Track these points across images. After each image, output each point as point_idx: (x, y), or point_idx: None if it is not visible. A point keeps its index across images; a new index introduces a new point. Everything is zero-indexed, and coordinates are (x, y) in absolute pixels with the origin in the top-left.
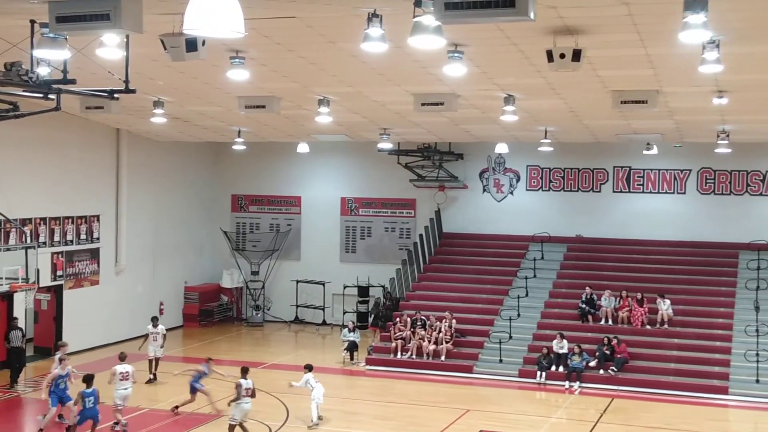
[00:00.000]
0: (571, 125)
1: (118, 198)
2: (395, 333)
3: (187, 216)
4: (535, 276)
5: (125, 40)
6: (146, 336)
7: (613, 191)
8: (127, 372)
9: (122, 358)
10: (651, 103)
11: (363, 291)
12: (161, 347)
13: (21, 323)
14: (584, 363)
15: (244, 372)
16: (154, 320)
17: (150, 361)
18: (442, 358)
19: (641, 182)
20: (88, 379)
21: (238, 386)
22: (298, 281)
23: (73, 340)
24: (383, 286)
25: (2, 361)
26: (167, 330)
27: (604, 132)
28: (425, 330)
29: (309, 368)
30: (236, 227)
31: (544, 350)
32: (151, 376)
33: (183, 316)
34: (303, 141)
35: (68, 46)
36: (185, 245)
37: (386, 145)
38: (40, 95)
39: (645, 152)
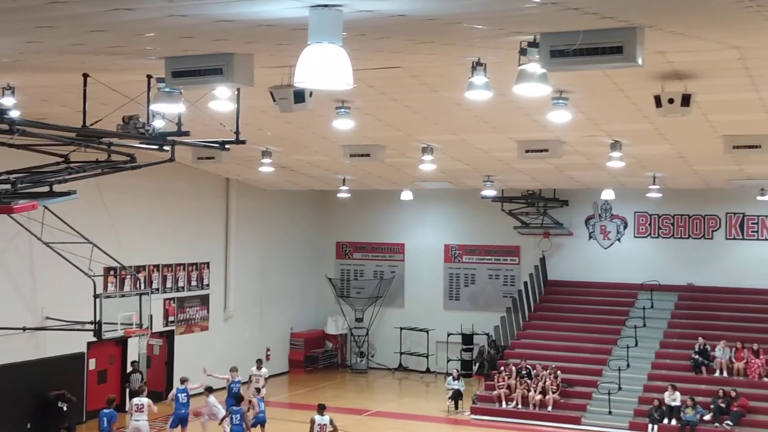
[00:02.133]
0: (681, 171)
1: (227, 245)
2: (500, 382)
3: (293, 263)
4: (644, 325)
5: (236, 92)
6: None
7: (726, 238)
8: (142, 404)
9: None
10: (765, 147)
11: (467, 339)
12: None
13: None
14: (698, 416)
15: (321, 409)
16: (259, 363)
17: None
18: (549, 408)
19: (756, 229)
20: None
21: (312, 422)
22: (401, 328)
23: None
24: (487, 334)
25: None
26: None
27: (716, 177)
28: (531, 379)
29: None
30: (341, 274)
31: (656, 402)
32: None
33: (289, 362)
34: (407, 188)
35: (183, 100)
36: (291, 292)
37: (490, 192)
38: (156, 147)
39: (759, 198)
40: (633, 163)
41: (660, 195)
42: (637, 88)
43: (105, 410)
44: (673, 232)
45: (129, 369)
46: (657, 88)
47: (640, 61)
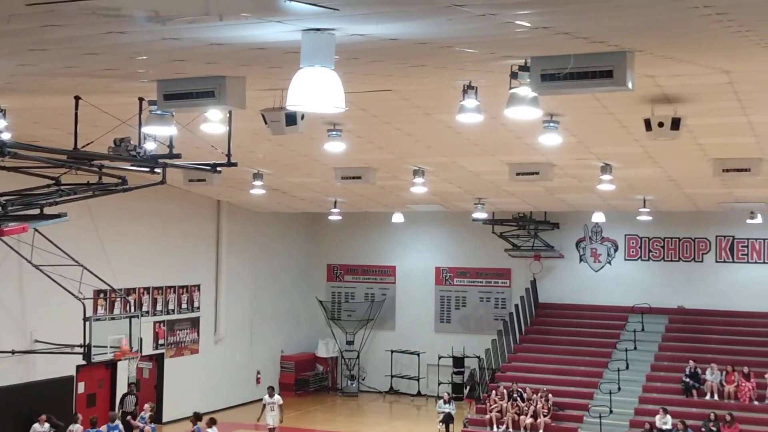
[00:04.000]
0: (671, 194)
1: (218, 268)
2: (491, 405)
3: (284, 285)
4: (635, 348)
5: (228, 115)
6: (263, 406)
7: (716, 261)
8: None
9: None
10: (754, 171)
11: (458, 362)
12: (278, 416)
13: (124, 391)
14: None
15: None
16: (271, 390)
17: (269, 431)
18: (540, 431)
19: (745, 252)
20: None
21: None
22: (392, 351)
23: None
24: (478, 357)
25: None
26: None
27: (706, 201)
28: (522, 402)
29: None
30: (332, 296)
31: (647, 425)
32: None
33: (279, 385)
34: (398, 211)
35: (174, 122)
36: (282, 314)
37: (481, 215)
38: (147, 169)
39: (749, 221)
40: (623, 186)
41: (650, 218)
42: (627, 111)
43: (90, 430)
44: (664, 254)
45: (125, 391)
46: (647, 111)
47: (630, 85)
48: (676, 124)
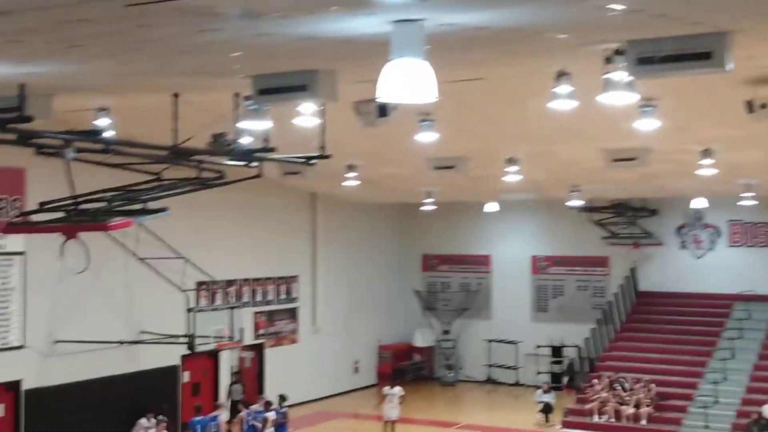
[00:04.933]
0: None
1: (314, 259)
2: (592, 395)
3: (380, 276)
4: (741, 337)
5: (321, 108)
6: (384, 397)
7: None
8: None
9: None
10: None
11: (556, 351)
12: (397, 409)
13: (226, 380)
14: None
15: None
16: (392, 381)
17: (386, 423)
18: (643, 422)
19: None
20: None
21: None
22: (489, 340)
23: (274, 397)
24: (577, 346)
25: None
26: (362, 388)
27: None
28: (624, 392)
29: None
30: (427, 286)
31: (755, 415)
32: None
33: (377, 374)
34: (492, 200)
35: (269, 116)
36: (378, 304)
37: (577, 203)
38: (243, 163)
39: None
40: (725, 170)
41: (755, 202)
42: (728, 93)
43: (196, 418)
44: None
45: (231, 380)
46: (748, 93)
47: (729, 67)
48: None
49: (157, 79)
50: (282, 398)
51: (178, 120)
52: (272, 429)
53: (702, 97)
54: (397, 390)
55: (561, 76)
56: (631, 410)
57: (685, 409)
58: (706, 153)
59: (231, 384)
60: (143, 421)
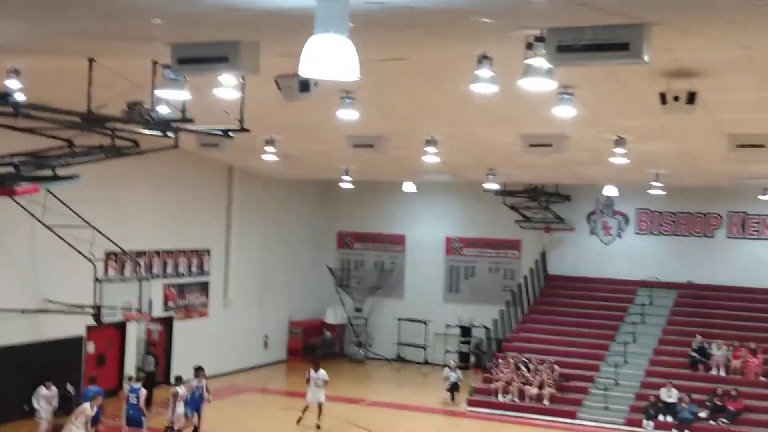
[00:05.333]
0: (684, 169)
1: (228, 233)
2: (497, 375)
3: (294, 252)
4: (643, 322)
5: (242, 80)
6: (308, 380)
7: (728, 237)
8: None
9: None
10: None
11: (465, 331)
12: (323, 392)
13: (133, 352)
14: (694, 413)
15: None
16: (315, 364)
17: (307, 406)
18: (545, 402)
19: (757, 228)
20: None
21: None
22: (400, 319)
23: (183, 370)
24: (486, 327)
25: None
26: (271, 363)
27: (719, 176)
28: (528, 372)
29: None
30: (341, 264)
31: (652, 399)
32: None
33: (287, 350)
34: (409, 180)
35: (188, 87)
36: (291, 280)
37: (492, 186)
38: (160, 133)
39: (761, 197)
40: (637, 159)
41: (663, 192)
42: (643, 84)
43: (91, 387)
44: (675, 229)
45: (144, 350)
46: (663, 85)
47: (646, 59)
48: (691, 98)
49: (73, 43)
50: (198, 370)
51: (93, 86)
52: (182, 403)
53: (618, 87)
54: (322, 374)
55: (483, 59)
56: (534, 390)
57: (587, 390)
58: (620, 142)
59: (144, 355)
60: (42, 389)
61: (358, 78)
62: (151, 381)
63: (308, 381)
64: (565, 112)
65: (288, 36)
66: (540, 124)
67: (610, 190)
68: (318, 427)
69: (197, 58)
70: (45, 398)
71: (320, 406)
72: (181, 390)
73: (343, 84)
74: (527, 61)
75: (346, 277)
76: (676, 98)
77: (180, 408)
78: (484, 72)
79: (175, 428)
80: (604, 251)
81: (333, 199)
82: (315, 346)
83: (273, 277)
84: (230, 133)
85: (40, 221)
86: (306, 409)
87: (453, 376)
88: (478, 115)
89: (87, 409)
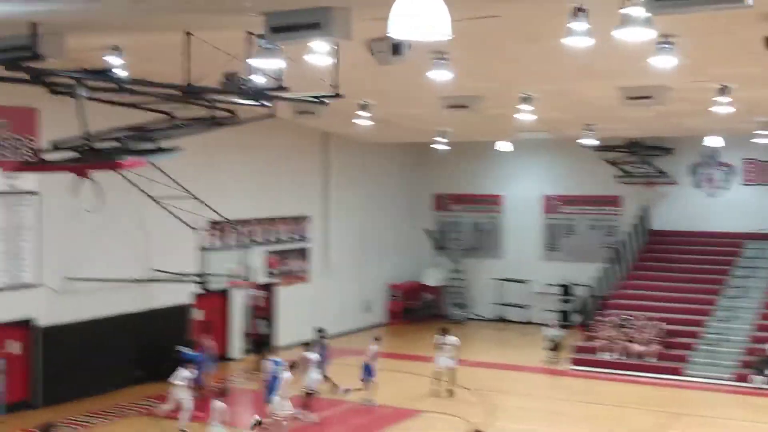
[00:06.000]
0: None
1: (326, 199)
2: (600, 333)
3: (392, 215)
4: (751, 275)
5: (334, 46)
6: (437, 346)
7: None
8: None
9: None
10: None
11: (566, 290)
12: (452, 358)
13: (239, 319)
14: None
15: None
16: (443, 330)
17: (437, 371)
18: (651, 359)
19: None
20: None
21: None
22: (500, 279)
23: (286, 335)
24: (587, 285)
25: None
26: (373, 327)
27: None
28: (633, 330)
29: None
30: (439, 226)
31: (763, 353)
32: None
33: (388, 313)
34: (505, 139)
35: (282, 55)
36: (389, 244)
37: (590, 142)
38: (256, 103)
39: None
40: (741, 108)
41: None
42: (746, 29)
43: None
44: None
45: (254, 315)
46: (766, 29)
47: (750, 2)
48: None
49: (169, 17)
50: (320, 332)
51: (191, 59)
52: (315, 369)
53: (720, 33)
54: (452, 339)
55: (577, 12)
56: (638, 348)
57: (693, 346)
58: (723, 91)
59: (254, 318)
60: (183, 371)
61: (449, 37)
62: (263, 344)
63: (439, 346)
64: (665, 62)
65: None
66: (639, 75)
67: (714, 141)
68: (450, 392)
69: (290, 26)
70: (186, 380)
71: (452, 371)
72: (312, 355)
73: (436, 45)
74: (624, 11)
75: (444, 239)
76: None
77: (315, 374)
78: (579, 25)
79: (311, 393)
80: (709, 204)
81: (429, 162)
82: (415, 309)
83: (371, 241)
84: (325, 100)
85: (146, 194)
86: (439, 374)
87: (554, 335)
88: (573, 69)
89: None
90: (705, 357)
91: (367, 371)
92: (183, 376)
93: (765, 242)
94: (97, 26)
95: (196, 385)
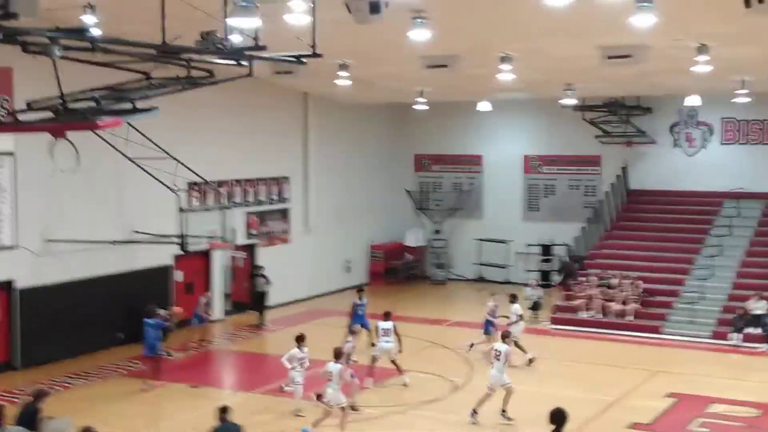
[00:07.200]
0: None
1: (306, 160)
2: (580, 292)
3: (372, 176)
4: (729, 234)
5: (312, 5)
6: (375, 329)
7: None
8: (388, 329)
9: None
10: None
11: (546, 249)
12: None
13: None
14: None
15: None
16: (385, 314)
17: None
18: (629, 318)
19: None
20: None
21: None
22: (480, 240)
23: (269, 295)
24: (567, 245)
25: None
26: (354, 287)
27: None
28: (611, 289)
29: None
30: (419, 186)
31: (740, 311)
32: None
33: (370, 274)
34: (485, 99)
35: (259, 14)
36: (370, 204)
37: (570, 101)
38: (234, 62)
39: None
40: (720, 67)
41: (749, 99)
42: None
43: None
44: (762, 137)
45: (253, 272)
46: None
47: None
48: None
49: None
50: (360, 290)
51: (166, 18)
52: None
53: None
54: (390, 324)
55: None
56: (618, 306)
57: (672, 305)
58: (702, 49)
59: (253, 276)
60: (296, 351)
61: None
62: (263, 301)
63: (375, 330)
64: (644, 20)
65: None
66: (618, 34)
67: (693, 100)
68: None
69: None
70: (299, 360)
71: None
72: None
73: (414, 4)
74: None
75: (425, 200)
76: (761, 0)
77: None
78: None
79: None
80: (688, 163)
81: (409, 122)
82: (397, 270)
83: (352, 202)
84: (303, 59)
85: (123, 155)
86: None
87: (534, 294)
88: (552, 28)
89: None
90: (683, 315)
91: (489, 325)
92: (295, 356)
93: (743, 201)
94: None
95: (154, 355)
